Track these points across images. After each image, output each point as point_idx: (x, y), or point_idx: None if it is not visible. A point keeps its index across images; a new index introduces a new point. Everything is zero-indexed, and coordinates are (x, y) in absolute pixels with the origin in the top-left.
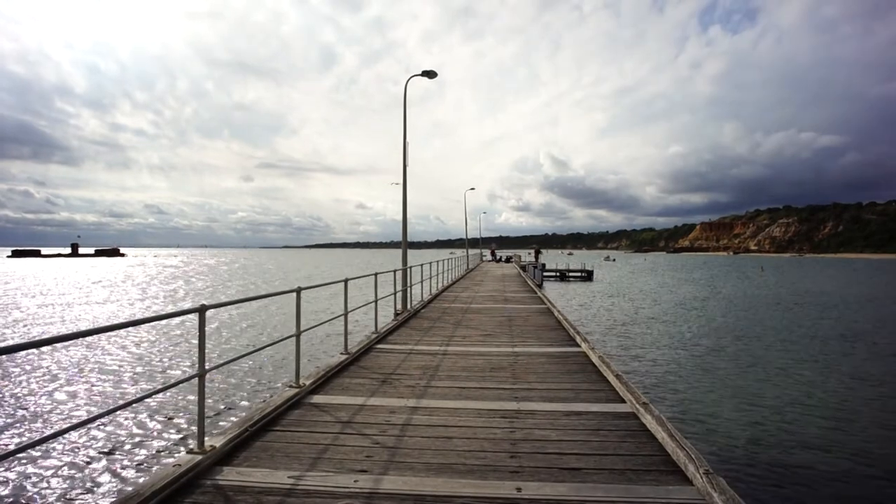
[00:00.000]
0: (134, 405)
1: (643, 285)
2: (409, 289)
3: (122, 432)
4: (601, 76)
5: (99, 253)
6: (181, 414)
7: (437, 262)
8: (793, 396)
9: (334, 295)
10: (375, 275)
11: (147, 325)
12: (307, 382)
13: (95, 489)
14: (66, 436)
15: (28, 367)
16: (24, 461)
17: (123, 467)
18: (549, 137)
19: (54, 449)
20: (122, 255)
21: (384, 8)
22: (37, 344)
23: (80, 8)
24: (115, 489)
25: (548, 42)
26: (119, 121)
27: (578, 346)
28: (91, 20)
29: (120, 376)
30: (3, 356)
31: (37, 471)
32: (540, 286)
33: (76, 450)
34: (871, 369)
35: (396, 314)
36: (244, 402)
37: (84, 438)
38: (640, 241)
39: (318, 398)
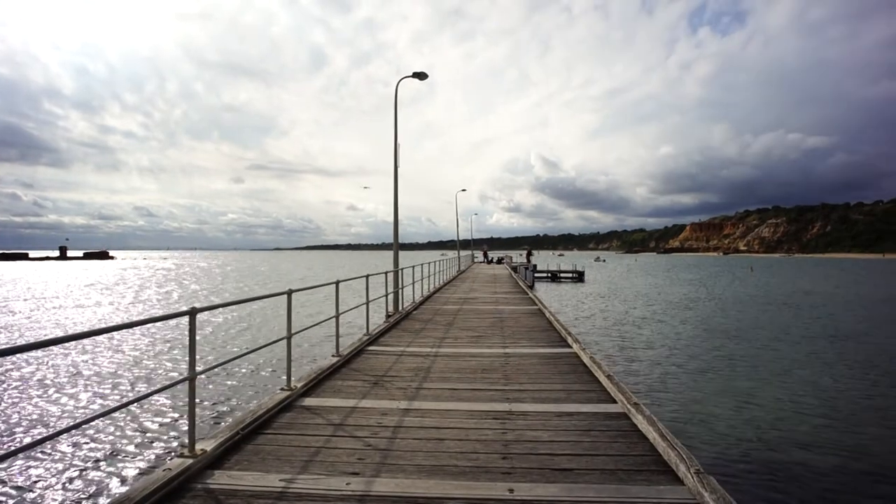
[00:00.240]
0: (124, 409)
1: (634, 286)
2: (400, 291)
3: (112, 437)
4: (591, 78)
5: (88, 256)
6: (172, 417)
7: (429, 263)
8: (783, 395)
9: (326, 297)
10: (367, 277)
11: (138, 328)
12: (299, 385)
13: (85, 495)
14: (56, 440)
15: (15, 372)
16: (10, 467)
17: (113, 472)
18: (539, 139)
19: (42, 454)
20: (112, 258)
21: (374, 9)
22: (24, 348)
23: (67, 9)
24: (104, 494)
25: (538, 44)
26: (108, 123)
27: (570, 346)
28: (79, 21)
29: (110, 380)
30: None
31: (24, 477)
32: (531, 287)
33: (65, 455)
34: (860, 368)
35: (388, 316)
36: (235, 406)
37: (73, 443)
38: (630, 241)
39: (309, 401)
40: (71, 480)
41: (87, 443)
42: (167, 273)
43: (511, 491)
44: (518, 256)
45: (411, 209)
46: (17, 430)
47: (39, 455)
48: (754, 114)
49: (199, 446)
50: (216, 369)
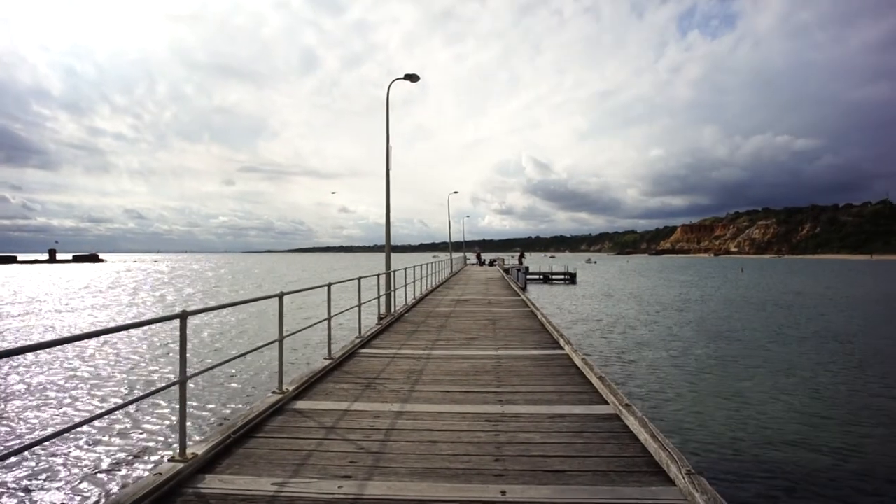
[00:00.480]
0: (114, 413)
1: (626, 287)
2: (392, 293)
3: (102, 441)
4: (582, 80)
5: (77, 259)
6: (163, 421)
7: (421, 265)
8: (774, 396)
9: (318, 299)
10: (359, 279)
11: (129, 331)
12: (290, 388)
13: (75, 499)
14: (45, 445)
15: (4, 377)
16: None
17: (103, 477)
18: (530, 140)
19: (31, 459)
20: (102, 260)
21: (365, 11)
22: (13, 352)
23: (56, 9)
24: (95, 499)
25: (528, 46)
26: (98, 124)
27: (562, 348)
28: (68, 22)
29: (100, 384)
30: None
31: (13, 482)
32: (523, 289)
33: (54, 459)
34: (851, 368)
35: (380, 318)
36: (227, 409)
37: (63, 448)
38: (622, 243)
39: (301, 404)
40: (60, 485)
41: (77, 447)
42: (161, 276)
43: (503, 493)
44: (510, 258)
45: (403, 211)
46: (5, 434)
47: (28, 460)
48: (744, 116)
49: (190, 450)
50: (208, 373)
